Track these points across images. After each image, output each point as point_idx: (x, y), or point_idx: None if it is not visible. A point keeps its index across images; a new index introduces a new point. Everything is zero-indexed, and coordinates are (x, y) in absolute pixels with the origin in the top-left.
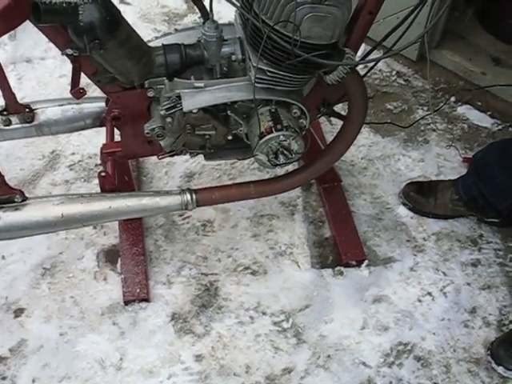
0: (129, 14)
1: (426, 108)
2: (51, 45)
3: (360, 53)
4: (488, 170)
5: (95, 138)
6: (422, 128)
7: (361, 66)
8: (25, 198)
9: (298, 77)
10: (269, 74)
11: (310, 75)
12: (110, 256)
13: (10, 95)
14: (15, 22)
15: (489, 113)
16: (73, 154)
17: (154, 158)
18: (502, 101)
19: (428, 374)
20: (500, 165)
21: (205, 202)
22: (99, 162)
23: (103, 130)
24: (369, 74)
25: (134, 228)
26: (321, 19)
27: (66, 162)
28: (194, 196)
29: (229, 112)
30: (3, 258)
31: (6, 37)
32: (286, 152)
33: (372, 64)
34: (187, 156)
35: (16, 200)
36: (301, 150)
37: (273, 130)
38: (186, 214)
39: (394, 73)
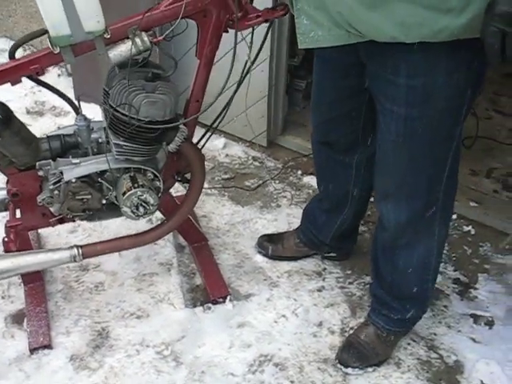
0: None
1: (277, 181)
2: None
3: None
4: (312, 215)
5: None
6: (275, 196)
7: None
8: None
9: (147, 147)
10: (125, 147)
11: (155, 145)
12: (16, 318)
13: None
14: None
15: None
16: None
17: (52, 241)
18: None
19: (285, 375)
20: (318, 209)
21: (89, 254)
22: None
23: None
24: (230, 161)
25: (37, 292)
26: (154, 103)
27: None
28: (80, 250)
29: (99, 179)
30: None
31: None
32: (144, 204)
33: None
34: (76, 234)
35: None
36: (156, 202)
37: (132, 188)
38: (81, 279)
39: (250, 157)
